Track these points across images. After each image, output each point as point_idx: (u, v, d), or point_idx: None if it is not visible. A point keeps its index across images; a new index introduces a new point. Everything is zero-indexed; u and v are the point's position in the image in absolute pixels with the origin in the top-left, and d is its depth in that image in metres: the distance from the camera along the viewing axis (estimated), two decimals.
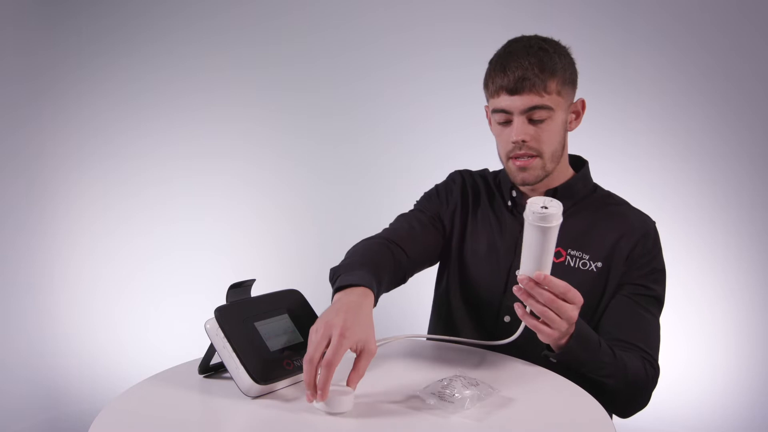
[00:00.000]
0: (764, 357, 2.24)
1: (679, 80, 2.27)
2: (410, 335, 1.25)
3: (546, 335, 1.00)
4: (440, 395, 0.92)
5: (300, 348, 1.00)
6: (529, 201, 0.96)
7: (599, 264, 1.21)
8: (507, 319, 1.25)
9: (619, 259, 1.21)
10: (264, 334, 0.98)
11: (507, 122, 1.20)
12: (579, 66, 1.24)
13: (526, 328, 1.05)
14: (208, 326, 0.96)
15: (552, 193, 1.26)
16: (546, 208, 0.94)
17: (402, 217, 1.35)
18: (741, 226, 2.25)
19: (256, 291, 1.05)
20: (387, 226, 1.35)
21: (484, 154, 1.47)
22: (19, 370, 2.48)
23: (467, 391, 0.91)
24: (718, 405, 2.26)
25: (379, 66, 2.50)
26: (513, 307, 1.02)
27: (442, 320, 1.37)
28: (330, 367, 0.87)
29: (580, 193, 1.29)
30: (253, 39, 2.57)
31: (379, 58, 2.50)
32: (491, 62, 1.22)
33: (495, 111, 1.20)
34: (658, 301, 1.22)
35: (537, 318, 0.99)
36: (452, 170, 1.43)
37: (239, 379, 0.94)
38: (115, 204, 2.66)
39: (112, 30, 2.61)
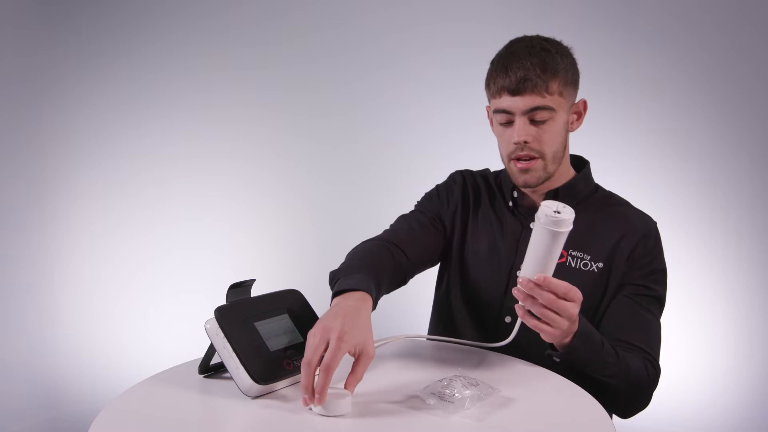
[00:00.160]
0: (764, 357, 2.24)
1: (679, 80, 2.27)
2: (409, 335, 1.25)
3: (548, 335, 1.00)
4: (440, 395, 0.92)
5: (300, 348, 1.00)
6: (543, 203, 0.96)
7: (600, 264, 1.21)
8: (508, 319, 1.25)
9: (620, 259, 1.21)
10: (264, 334, 0.98)
11: (509, 123, 1.20)
12: (579, 66, 1.24)
13: (526, 328, 1.05)
14: (208, 326, 0.96)
15: (553, 193, 1.26)
16: (559, 213, 0.94)
17: (402, 218, 1.34)
18: (741, 226, 2.25)
19: (256, 291, 1.05)
20: (387, 226, 1.35)
21: (484, 154, 1.47)
22: (19, 370, 2.48)
23: (467, 391, 0.91)
24: (718, 405, 2.26)
25: (379, 66, 2.50)
26: (514, 308, 1.02)
27: (443, 321, 1.37)
28: (328, 371, 0.87)
29: (582, 194, 1.29)
30: (253, 39, 2.57)
31: (379, 58, 2.50)
32: (493, 62, 1.22)
33: (497, 111, 1.20)
34: (659, 302, 1.22)
35: (538, 318, 0.99)
36: (452, 170, 1.43)
37: (239, 379, 0.94)
38: (115, 204, 2.67)
39: (112, 30, 2.61)
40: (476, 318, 1.31)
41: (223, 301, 0.99)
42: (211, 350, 1.00)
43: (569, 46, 1.23)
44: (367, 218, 1.76)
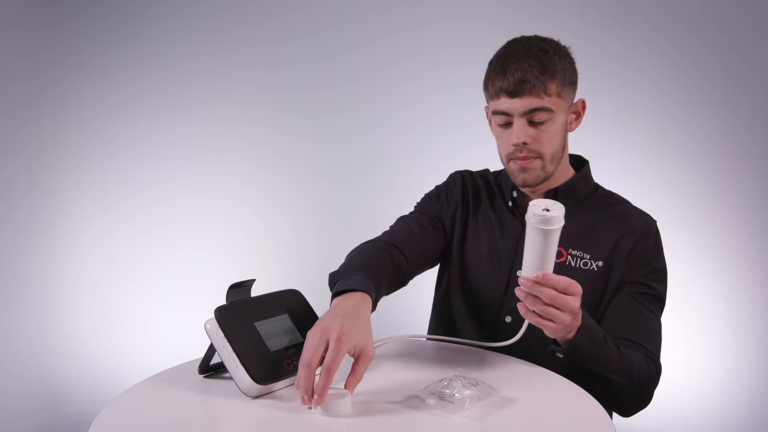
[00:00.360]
0: (764, 357, 2.24)
1: (679, 80, 2.27)
2: (410, 336, 1.25)
3: (552, 330, 1.00)
4: (440, 395, 0.92)
5: (300, 348, 1.00)
6: (531, 203, 0.96)
7: (600, 263, 1.21)
8: (508, 319, 1.25)
9: (620, 258, 1.21)
10: (264, 334, 0.98)
11: (507, 124, 1.20)
12: (579, 66, 1.24)
13: (527, 327, 1.05)
14: (208, 326, 0.96)
15: (553, 193, 1.26)
16: (548, 210, 0.94)
17: (402, 220, 1.35)
18: (741, 226, 2.25)
19: (256, 291, 1.05)
20: (387, 226, 1.35)
21: (484, 154, 1.47)
22: (19, 370, 2.48)
23: (467, 391, 0.91)
24: (718, 405, 2.26)
25: (379, 66, 2.50)
26: (514, 308, 1.02)
27: (443, 321, 1.37)
28: (329, 373, 0.88)
29: (582, 193, 1.29)
30: (253, 39, 2.57)
31: (379, 58, 2.50)
32: (491, 63, 1.22)
33: (495, 113, 1.20)
34: (660, 300, 1.22)
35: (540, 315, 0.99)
36: (452, 170, 1.43)
37: (239, 379, 0.94)
38: (115, 204, 2.67)
39: (112, 30, 2.61)
40: (476, 318, 1.31)
41: (223, 301, 0.99)
42: (211, 350, 1.00)
43: (567, 46, 1.23)
44: (367, 218, 1.76)
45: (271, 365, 0.95)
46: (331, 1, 2.51)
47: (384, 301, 1.15)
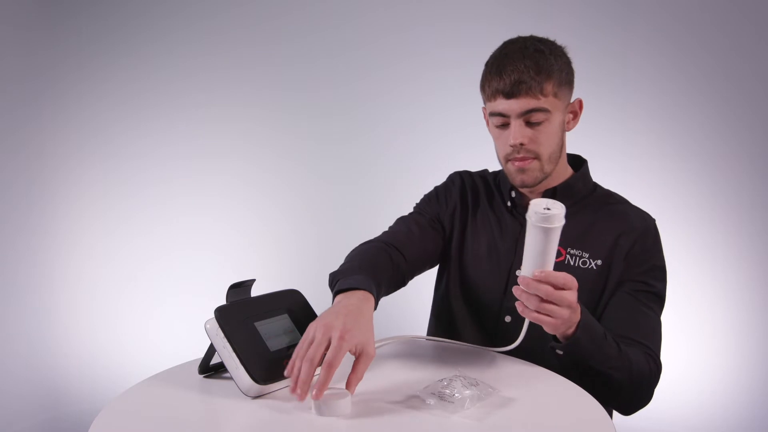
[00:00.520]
0: (764, 357, 2.24)
1: (679, 80, 2.27)
2: (415, 336, 1.25)
3: (551, 326, 1.00)
4: (440, 395, 0.92)
5: None
6: (532, 202, 0.96)
7: (599, 262, 1.22)
8: (508, 319, 1.26)
9: (618, 256, 1.21)
10: (264, 334, 0.98)
11: (504, 125, 1.20)
12: (579, 66, 1.24)
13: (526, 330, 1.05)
14: (208, 326, 0.96)
15: (551, 192, 1.26)
16: (549, 209, 0.94)
17: (401, 220, 1.35)
18: (741, 226, 2.25)
19: (256, 291, 1.05)
20: (387, 226, 1.35)
21: (484, 155, 1.47)
22: (19, 370, 2.48)
23: (467, 391, 0.91)
24: (718, 405, 2.26)
25: (379, 66, 2.50)
26: (514, 308, 1.02)
27: (443, 321, 1.37)
28: (330, 369, 0.88)
29: (580, 193, 1.29)
30: (253, 39, 2.57)
31: (379, 58, 2.50)
32: (487, 65, 1.22)
33: (492, 114, 1.21)
34: (659, 298, 1.22)
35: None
36: (452, 170, 1.43)
37: (239, 379, 0.94)
38: (115, 204, 2.67)
39: (112, 30, 2.61)
40: (476, 318, 1.31)
41: (223, 301, 0.99)
42: (211, 350, 1.00)
43: (563, 46, 1.23)
44: (367, 218, 1.76)
45: (271, 365, 0.95)
46: (331, 1, 2.51)
47: (384, 301, 1.15)
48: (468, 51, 1.31)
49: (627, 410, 1.18)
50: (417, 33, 2.46)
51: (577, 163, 1.33)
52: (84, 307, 2.67)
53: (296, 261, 2.58)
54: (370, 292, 1.03)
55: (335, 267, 1.16)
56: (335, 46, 2.51)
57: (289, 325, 1.02)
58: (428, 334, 1.41)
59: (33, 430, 2.45)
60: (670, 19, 2.26)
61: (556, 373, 1.07)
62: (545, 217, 0.94)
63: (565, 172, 1.29)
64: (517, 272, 1.02)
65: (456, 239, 1.34)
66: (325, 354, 0.90)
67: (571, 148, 1.34)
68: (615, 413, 1.21)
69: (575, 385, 1.03)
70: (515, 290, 0.99)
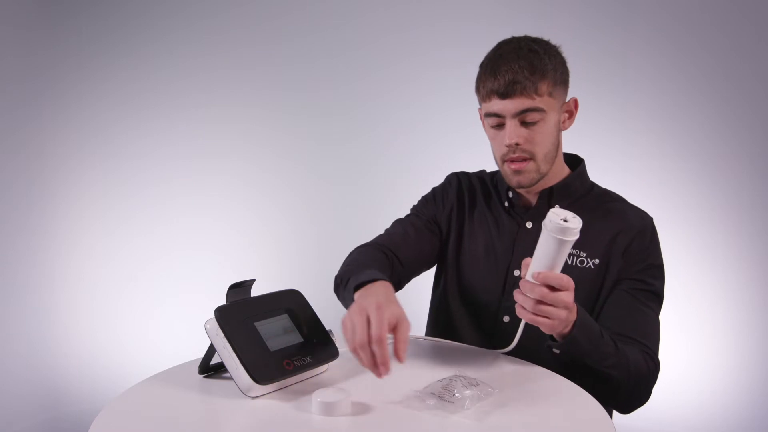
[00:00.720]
0: (764, 357, 2.24)
1: (679, 80, 2.27)
2: (417, 337, 1.25)
3: (548, 327, 1.00)
4: (440, 395, 0.92)
5: (300, 348, 1.00)
6: (551, 210, 0.97)
7: (596, 261, 1.22)
8: (506, 319, 1.26)
9: (616, 255, 1.21)
10: (264, 334, 0.98)
11: (500, 125, 1.20)
12: (579, 66, 1.24)
13: (525, 328, 1.05)
14: (208, 326, 0.96)
15: (548, 192, 1.26)
16: (566, 221, 0.95)
17: (397, 223, 1.36)
18: (741, 226, 2.25)
19: (256, 291, 1.05)
20: (387, 226, 1.36)
21: (484, 155, 1.47)
22: (19, 370, 2.48)
23: (467, 391, 0.91)
24: (718, 405, 2.26)
25: (379, 66, 2.50)
26: (511, 307, 1.02)
27: (441, 321, 1.37)
28: (381, 342, 0.89)
29: (577, 192, 1.29)
30: (253, 39, 2.57)
31: (379, 58, 2.50)
32: (482, 66, 1.22)
33: (487, 115, 1.21)
34: (657, 297, 1.22)
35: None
36: (452, 170, 1.43)
37: (239, 379, 0.94)
38: (115, 204, 2.67)
39: (112, 30, 2.61)
40: (474, 318, 1.31)
41: (223, 301, 0.99)
42: (211, 350, 1.00)
43: (557, 45, 1.23)
44: (367, 218, 1.77)
45: (271, 365, 0.95)
46: (331, 1, 2.51)
47: None
48: (468, 51, 1.31)
49: (625, 409, 1.18)
50: (417, 33, 2.46)
51: (575, 162, 1.33)
52: (84, 307, 2.67)
53: (296, 261, 2.58)
54: (387, 280, 1.05)
55: (335, 267, 1.16)
56: (335, 46, 2.51)
57: (289, 325, 1.02)
58: (426, 335, 1.41)
59: (33, 430, 2.45)
60: (670, 19, 2.26)
61: (555, 373, 1.07)
62: (561, 228, 0.95)
63: (562, 171, 1.29)
64: (515, 272, 1.03)
65: (453, 240, 1.34)
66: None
67: (571, 148, 1.34)
68: (615, 413, 1.21)
69: (575, 385, 1.03)
70: (515, 293, 0.99)
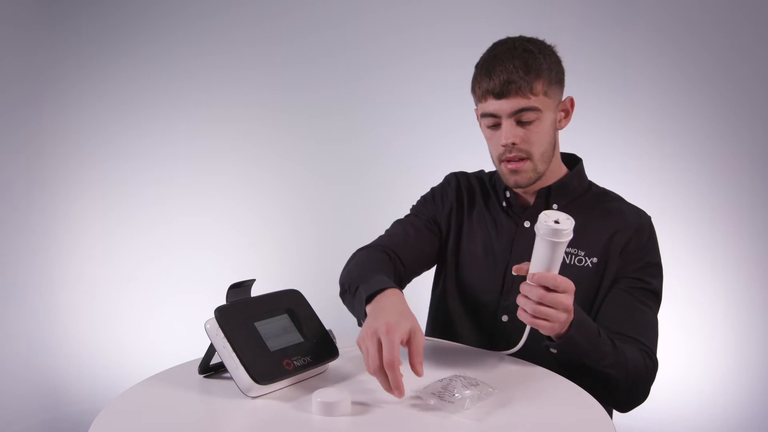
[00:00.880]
0: (764, 357, 2.24)
1: (679, 80, 2.27)
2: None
3: (547, 329, 1.01)
4: (440, 395, 0.92)
5: (300, 348, 1.00)
6: (542, 213, 0.97)
7: (595, 260, 1.22)
8: (505, 318, 1.26)
9: (614, 253, 1.22)
10: (264, 334, 0.98)
11: (496, 126, 1.21)
12: (579, 66, 1.24)
13: (524, 328, 1.06)
14: (208, 326, 0.96)
15: (546, 191, 1.26)
16: (558, 222, 0.95)
17: (397, 223, 1.36)
18: (741, 226, 2.25)
19: (256, 291, 1.05)
20: (387, 226, 1.36)
21: (483, 155, 1.47)
22: (19, 370, 2.48)
23: (467, 391, 0.91)
24: (718, 405, 2.25)
25: (379, 66, 2.50)
26: (510, 307, 1.03)
27: (440, 322, 1.37)
28: (393, 368, 0.90)
29: (575, 191, 1.29)
30: (253, 39, 2.57)
31: (379, 58, 2.50)
32: (477, 66, 1.23)
33: (483, 115, 1.21)
34: (655, 295, 1.22)
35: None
36: (452, 170, 1.43)
37: (239, 379, 0.94)
38: (115, 204, 2.67)
39: (112, 30, 2.61)
40: (473, 318, 1.31)
41: (223, 301, 0.99)
42: (211, 350, 1.00)
43: (553, 45, 1.24)
44: (367, 218, 1.77)
45: (271, 365, 0.95)
46: (331, 1, 2.51)
47: None
48: (468, 51, 1.31)
49: (624, 407, 1.18)
50: (417, 33, 2.46)
51: (572, 161, 1.33)
52: (84, 307, 2.67)
53: (296, 261, 2.58)
54: (396, 287, 1.05)
55: (335, 267, 1.17)
56: (335, 46, 2.51)
57: (289, 325, 1.02)
58: (426, 335, 1.41)
59: (33, 430, 2.45)
60: (670, 19, 2.26)
61: (555, 373, 1.07)
62: (552, 230, 0.95)
63: (560, 170, 1.29)
64: (513, 271, 1.03)
65: (452, 240, 1.34)
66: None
67: (570, 148, 1.34)
68: (615, 413, 1.21)
69: (575, 384, 1.03)
70: (518, 298, 1.00)
